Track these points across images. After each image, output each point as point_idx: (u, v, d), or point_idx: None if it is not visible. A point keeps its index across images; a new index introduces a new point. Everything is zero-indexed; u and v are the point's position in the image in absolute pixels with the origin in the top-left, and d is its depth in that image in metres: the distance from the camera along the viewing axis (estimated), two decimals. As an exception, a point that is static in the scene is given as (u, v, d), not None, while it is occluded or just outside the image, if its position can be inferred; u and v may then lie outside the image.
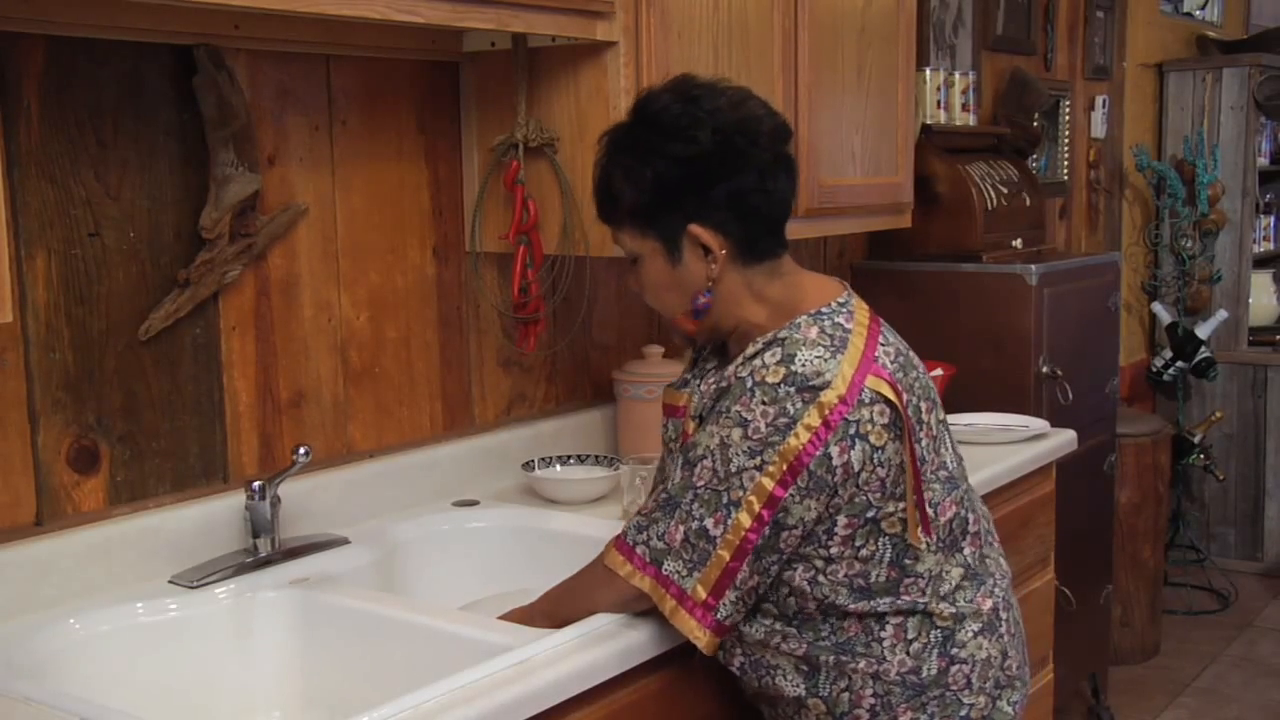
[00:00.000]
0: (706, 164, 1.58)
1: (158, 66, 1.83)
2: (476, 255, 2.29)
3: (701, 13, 2.20)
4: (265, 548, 1.88)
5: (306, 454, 1.87)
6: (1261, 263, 5.26)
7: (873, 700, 1.59)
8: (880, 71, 2.72)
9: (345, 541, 2.00)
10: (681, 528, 1.57)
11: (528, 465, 2.34)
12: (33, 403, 1.73)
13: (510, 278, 2.24)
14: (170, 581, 1.81)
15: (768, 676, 1.65)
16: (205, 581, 1.80)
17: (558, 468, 2.37)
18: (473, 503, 2.24)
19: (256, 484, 1.87)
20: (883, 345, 1.59)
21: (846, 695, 1.60)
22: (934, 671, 1.59)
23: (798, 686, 1.62)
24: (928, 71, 3.44)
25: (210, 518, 1.90)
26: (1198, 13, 5.42)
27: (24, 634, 1.63)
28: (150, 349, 1.86)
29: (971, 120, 3.63)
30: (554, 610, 1.70)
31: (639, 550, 1.60)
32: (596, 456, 2.41)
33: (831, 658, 1.60)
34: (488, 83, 2.24)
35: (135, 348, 1.84)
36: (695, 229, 1.60)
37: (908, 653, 1.59)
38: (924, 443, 1.59)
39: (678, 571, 1.57)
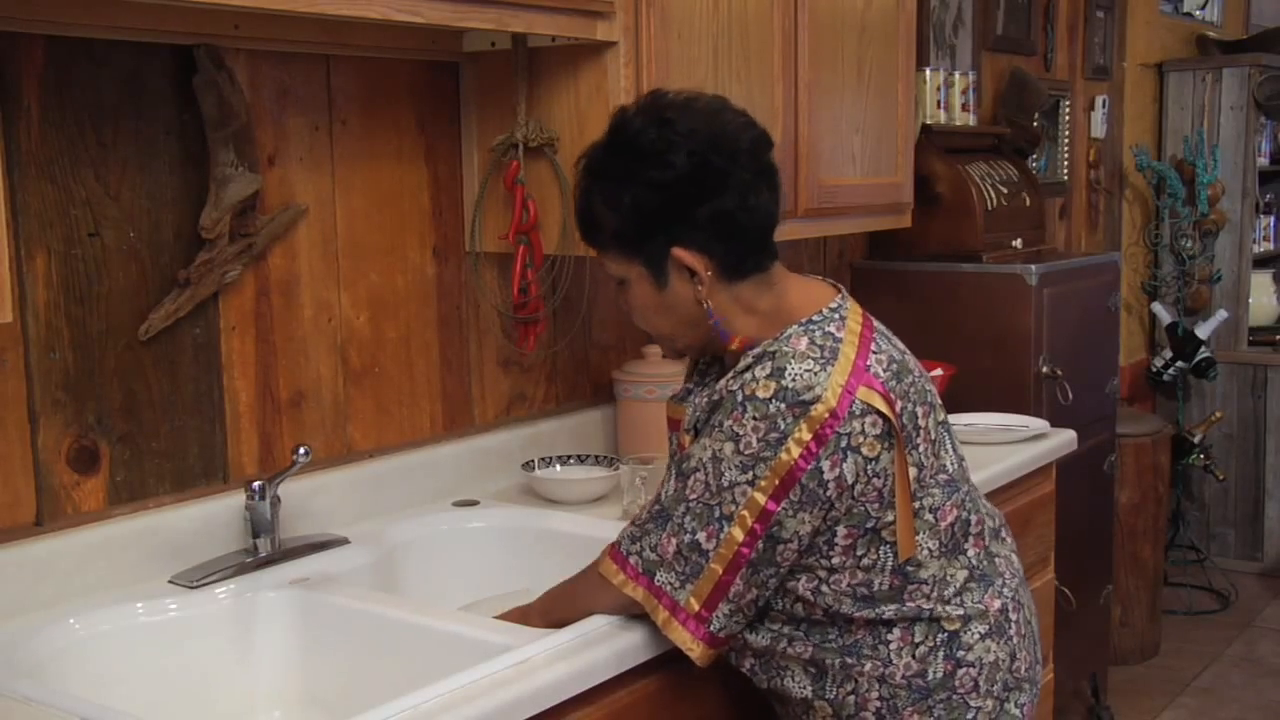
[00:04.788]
0: (685, 187, 1.55)
1: (158, 66, 1.83)
2: (476, 255, 2.29)
3: (701, 13, 2.20)
4: (265, 548, 1.87)
5: (306, 454, 1.87)
6: (1261, 263, 5.26)
7: (879, 703, 1.59)
8: (880, 71, 2.72)
9: (345, 541, 1.99)
10: (674, 540, 1.56)
11: (528, 465, 2.34)
12: (32, 403, 1.73)
13: (510, 278, 2.24)
14: (170, 581, 1.81)
15: (777, 678, 1.65)
16: (205, 581, 1.80)
17: (558, 468, 2.37)
18: (473, 503, 2.24)
19: (256, 484, 1.87)
20: (875, 353, 1.57)
21: (853, 698, 1.60)
22: (940, 675, 1.59)
23: (805, 688, 1.62)
24: (928, 71, 3.44)
25: (210, 518, 1.90)
26: (1198, 13, 5.42)
27: (24, 634, 1.62)
28: (150, 349, 1.86)
29: (971, 120, 3.63)
30: (549, 611, 1.70)
31: (632, 560, 1.60)
32: (596, 456, 2.41)
33: (838, 660, 1.59)
34: (488, 83, 2.24)
35: (135, 348, 1.84)
36: (678, 252, 1.58)
37: (913, 656, 1.58)
38: (921, 449, 1.58)
39: (670, 583, 1.57)
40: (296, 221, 2.03)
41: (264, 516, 1.87)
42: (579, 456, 2.40)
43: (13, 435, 1.71)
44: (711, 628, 1.57)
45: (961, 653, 1.59)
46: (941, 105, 3.50)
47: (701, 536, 1.54)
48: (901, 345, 1.67)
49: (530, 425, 2.45)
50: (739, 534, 1.52)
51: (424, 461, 2.24)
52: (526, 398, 2.47)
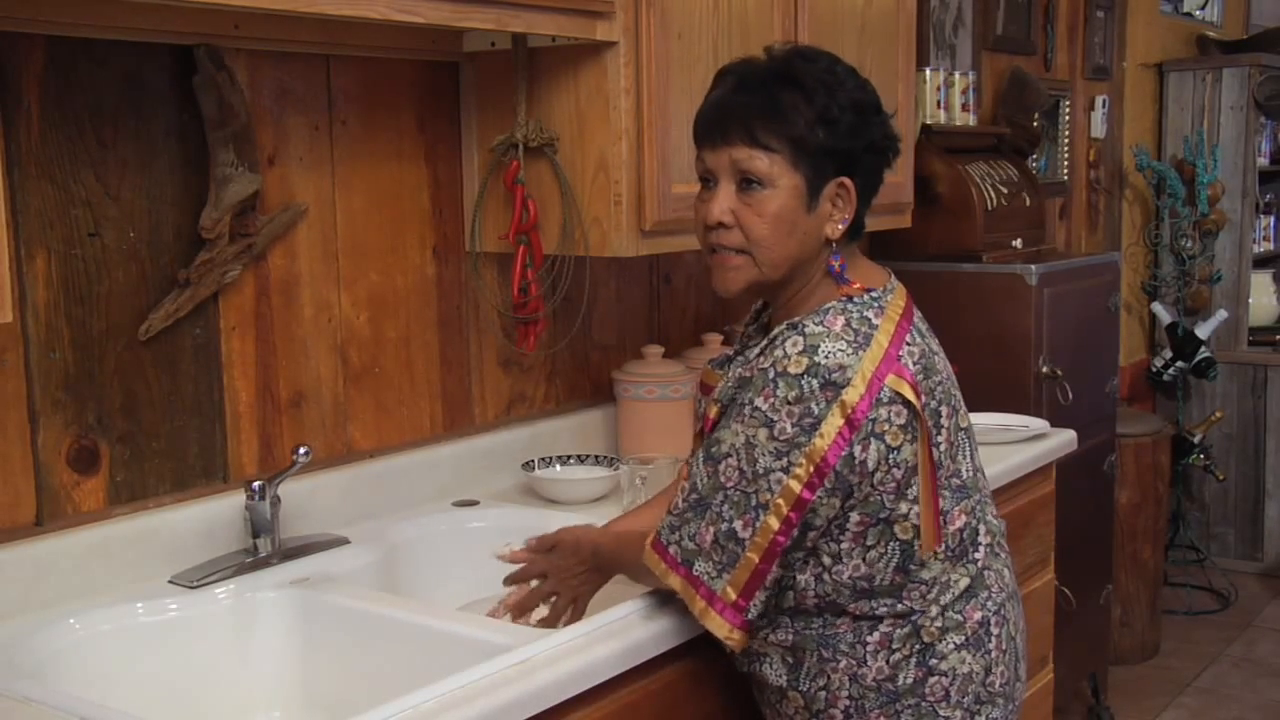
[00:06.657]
0: (869, 119, 1.58)
1: (158, 66, 1.83)
2: (476, 255, 2.29)
3: (701, 13, 2.20)
4: (265, 548, 1.88)
5: (306, 454, 1.87)
6: (1261, 263, 5.26)
7: (848, 702, 1.60)
8: (880, 71, 2.71)
9: (345, 541, 1.99)
10: (712, 529, 1.56)
11: (528, 465, 2.34)
12: (33, 403, 1.73)
13: (510, 278, 2.24)
14: (170, 581, 1.81)
15: (755, 663, 1.66)
16: (205, 581, 1.80)
17: (558, 468, 2.37)
18: (473, 503, 2.24)
19: (256, 484, 1.87)
20: (908, 345, 1.57)
21: (824, 693, 1.61)
22: (910, 681, 1.59)
23: (780, 677, 1.64)
24: (928, 71, 3.44)
25: (210, 518, 1.90)
26: (1198, 13, 5.42)
27: (24, 634, 1.63)
28: (150, 349, 1.86)
29: (971, 120, 3.63)
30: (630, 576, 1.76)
31: (671, 550, 1.60)
32: (596, 456, 2.41)
33: (815, 652, 1.60)
34: (488, 83, 2.24)
35: (135, 348, 1.84)
36: (849, 183, 1.59)
37: (887, 661, 1.59)
38: (942, 448, 1.59)
39: (707, 573, 1.57)
40: (296, 221, 2.03)
41: (264, 516, 1.87)
42: (579, 456, 2.40)
43: (13, 435, 1.71)
44: (749, 615, 1.57)
45: (935, 661, 1.59)
46: (941, 105, 3.50)
47: (738, 525, 1.54)
48: (935, 346, 1.66)
49: (530, 425, 2.45)
50: (775, 523, 1.53)
51: (424, 461, 2.24)
52: (526, 398, 2.47)
